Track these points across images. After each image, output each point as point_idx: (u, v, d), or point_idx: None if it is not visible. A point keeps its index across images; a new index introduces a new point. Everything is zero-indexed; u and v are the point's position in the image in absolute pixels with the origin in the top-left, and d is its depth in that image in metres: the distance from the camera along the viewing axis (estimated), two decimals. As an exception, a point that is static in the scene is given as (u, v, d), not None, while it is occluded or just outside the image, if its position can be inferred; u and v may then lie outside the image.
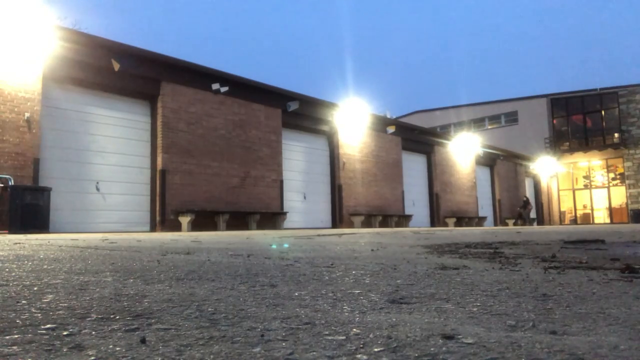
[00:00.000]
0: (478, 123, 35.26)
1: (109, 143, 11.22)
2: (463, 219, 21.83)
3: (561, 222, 31.80)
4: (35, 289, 1.72)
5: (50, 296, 1.57)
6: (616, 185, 30.45)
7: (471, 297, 1.62)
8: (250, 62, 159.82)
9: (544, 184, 30.60)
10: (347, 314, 1.32)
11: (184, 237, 6.97)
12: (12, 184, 9.13)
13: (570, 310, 1.38)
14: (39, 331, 1.09)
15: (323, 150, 16.60)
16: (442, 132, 28.86)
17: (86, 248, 4.05)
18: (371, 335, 1.06)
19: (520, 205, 26.35)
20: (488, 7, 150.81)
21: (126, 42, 11.32)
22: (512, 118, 33.87)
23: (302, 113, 15.42)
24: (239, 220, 13.07)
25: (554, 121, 31.96)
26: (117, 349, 0.95)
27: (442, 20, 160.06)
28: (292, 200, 15.11)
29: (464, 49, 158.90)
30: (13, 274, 2.18)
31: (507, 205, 26.35)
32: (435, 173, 21.36)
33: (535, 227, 18.77)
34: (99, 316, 1.25)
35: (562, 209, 32.23)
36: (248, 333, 1.08)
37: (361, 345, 0.97)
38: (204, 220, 12.17)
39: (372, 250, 4.09)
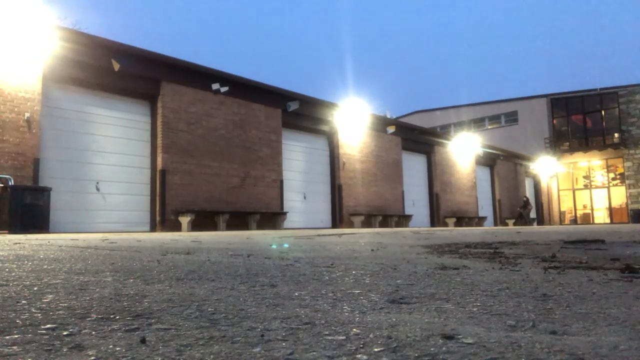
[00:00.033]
0: (478, 123, 35.26)
1: (109, 143, 11.22)
2: (463, 219, 21.83)
3: (561, 222, 31.80)
4: (35, 289, 1.72)
5: (50, 296, 1.57)
6: (616, 185, 30.45)
7: (471, 297, 1.62)
8: (250, 62, 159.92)
9: (544, 184, 30.60)
10: (347, 314, 1.32)
11: (184, 237, 6.97)
12: (12, 184, 9.13)
13: (570, 310, 1.38)
14: (39, 331, 1.09)
15: (323, 150, 16.60)
16: (442, 132, 28.87)
17: (86, 248, 4.05)
18: (371, 335, 1.06)
19: (521, 205, 26.36)
20: (488, 7, 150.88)
21: (126, 42, 11.34)
22: (512, 118, 33.87)
23: (302, 113, 15.42)
24: (239, 220, 13.07)
25: (554, 121, 31.96)
26: (117, 349, 0.95)
27: (442, 20, 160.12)
28: (292, 200, 15.11)
29: (464, 49, 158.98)
30: (13, 274, 2.18)
31: (507, 205, 26.35)
32: (435, 173, 21.36)
33: (535, 227, 18.77)
34: (99, 316, 1.25)
35: (562, 209, 32.23)
36: (248, 333, 1.08)
37: (361, 345, 0.97)
38: (204, 220, 12.17)
39: (372, 250, 4.09)
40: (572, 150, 31.32)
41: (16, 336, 1.04)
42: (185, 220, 11.63)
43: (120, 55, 11.13)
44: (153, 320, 1.21)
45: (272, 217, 13.99)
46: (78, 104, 10.78)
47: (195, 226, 11.80)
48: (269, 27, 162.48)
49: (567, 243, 5.07)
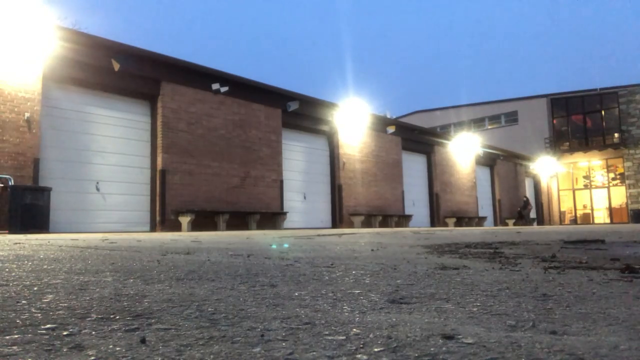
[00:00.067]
0: (478, 123, 35.26)
1: (109, 143, 11.22)
2: (463, 219, 21.84)
3: (561, 222, 31.80)
4: (35, 289, 1.72)
5: (50, 296, 1.57)
6: (616, 185, 30.45)
7: (471, 297, 1.62)
8: (250, 62, 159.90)
9: (544, 184, 30.60)
10: (347, 314, 1.32)
11: (184, 237, 6.97)
12: (12, 184, 9.13)
13: (570, 310, 1.38)
14: (39, 331, 1.09)
15: (323, 150, 16.60)
16: (442, 132, 28.87)
17: (86, 248, 4.05)
18: (371, 335, 1.06)
19: (521, 205, 26.36)
20: (488, 7, 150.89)
21: (126, 42, 11.35)
22: (512, 118, 33.88)
23: (302, 113, 15.42)
24: (239, 220, 13.07)
25: (554, 121, 31.97)
26: (117, 349, 0.95)
27: (442, 20, 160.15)
28: (292, 200, 15.11)
29: (464, 48, 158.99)
30: (13, 274, 2.18)
31: (507, 205, 26.35)
32: (435, 173, 21.36)
33: (535, 227, 18.77)
34: (99, 316, 1.25)
35: (562, 209, 32.24)
36: (248, 333, 1.08)
37: (361, 345, 0.97)
38: (204, 220, 12.17)
39: (372, 250, 4.09)
40: (572, 150, 31.33)
41: (16, 336, 1.04)
42: (185, 220, 11.64)
43: (120, 55, 11.13)
44: (153, 320, 1.21)
45: (272, 217, 13.99)
46: (78, 104, 10.78)
47: (195, 226, 11.80)
48: (269, 27, 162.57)
49: (567, 243, 5.07)
